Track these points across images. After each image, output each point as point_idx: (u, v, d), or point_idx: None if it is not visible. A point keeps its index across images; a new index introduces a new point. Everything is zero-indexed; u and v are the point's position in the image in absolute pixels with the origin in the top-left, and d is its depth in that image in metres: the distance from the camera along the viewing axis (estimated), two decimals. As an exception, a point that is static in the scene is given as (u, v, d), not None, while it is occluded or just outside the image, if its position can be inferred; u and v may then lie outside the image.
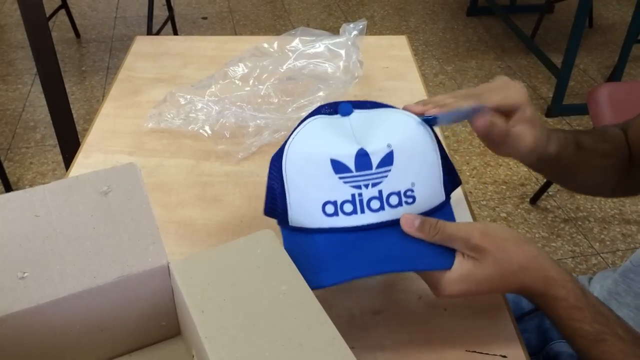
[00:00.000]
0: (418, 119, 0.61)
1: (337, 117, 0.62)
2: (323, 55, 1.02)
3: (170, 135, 0.94)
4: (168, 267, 0.56)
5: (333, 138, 0.60)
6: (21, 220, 0.54)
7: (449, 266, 0.56)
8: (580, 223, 1.98)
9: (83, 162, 0.89)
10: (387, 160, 0.58)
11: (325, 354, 0.47)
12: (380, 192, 0.58)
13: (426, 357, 0.62)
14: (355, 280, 0.57)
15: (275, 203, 0.63)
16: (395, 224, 0.59)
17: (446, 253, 0.57)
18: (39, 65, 1.56)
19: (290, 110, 0.95)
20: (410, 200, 0.59)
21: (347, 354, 0.46)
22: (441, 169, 0.62)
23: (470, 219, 0.80)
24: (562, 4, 3.24)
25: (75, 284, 0.53)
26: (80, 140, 1.06)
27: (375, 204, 0.58)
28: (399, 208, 0.59)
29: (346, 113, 0.61)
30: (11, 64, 2.81)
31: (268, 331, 0.48)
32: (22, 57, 2.85)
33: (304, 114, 0.93)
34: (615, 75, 2.47)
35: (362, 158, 0.58)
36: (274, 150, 0.90)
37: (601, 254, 1.86)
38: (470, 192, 2.10)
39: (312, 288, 0.52)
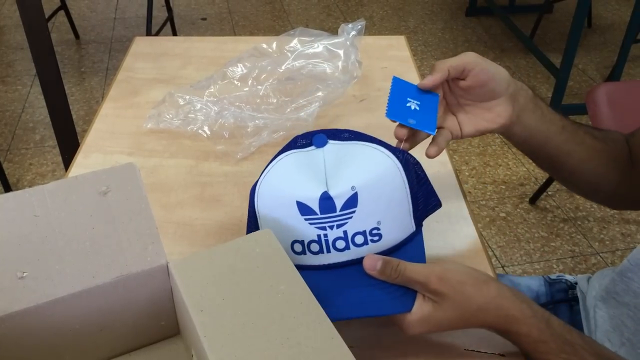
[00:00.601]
0: (389, 154, 0.63)
1: (311, 150, 0.63)
2: (322, 56, 1.02)
3: (169, 135, 0.94)
4: (167, 266, 0.56)
5: (302, 178, 0.61)
6: (20, 220, 0.54)
7: (408, 309, 0.58)
8: (579, 223, 1.98)
9: (82, 163, 0.89)
10: (351, 202, 0.60)
11: (323, 352, 0.47)
12: (345, 232, 0.60)
13: (425, 356, 0.62)
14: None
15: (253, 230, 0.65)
16: (360, 262, 0.60)
17: (407, 294, 0.58)
18: (38, 67, 1.57)
19: (289, 110, 0.95)
20: (376, 238, 0.60)
21: (346, 352, 0.47)
22: (410, 203, 0.63)
23: (469, 220, 0.80)
24: (561, 4, 3.25)
25: (74, 283, 0.53)
26: (79, 141, 1.07)
27: (340, 244, 0.60)
28: (364, 247, 0.60)
29: (320, 145, 0.63)
30: (10, 65, 2.81)
31: (267, 330, 0.48)
32: (22, 59, 2.85)
33: (303, 114, 0.94)
34: (614, 75, 2.47)
35: (326, 201, 0.59)
36: (272, 151, 0.91)
37: (600, 254, 1.87)
38: (470, 192, 2.10)
39: None
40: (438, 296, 0.57)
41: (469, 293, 0.57)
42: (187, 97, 0.96)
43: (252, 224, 0.65)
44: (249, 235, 0.57)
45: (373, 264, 0.59)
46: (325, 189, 0.59)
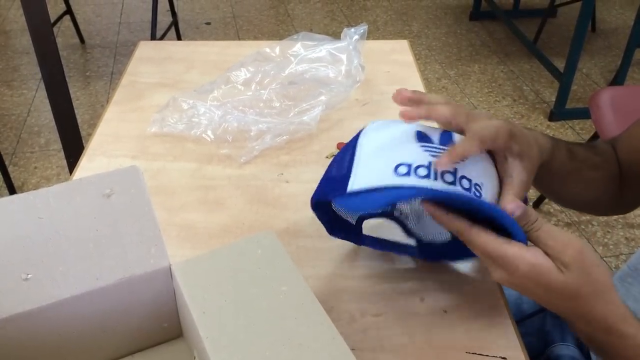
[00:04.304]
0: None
1: None
2: (325, 60, 1.03)
3: (173, 139, 0.95)
4: (170, 269, 0.56)
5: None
6: (25, 223, 0.55)
7: (524, 240, 0.54)
8: (583, 227, 1.98)
9: (87, 166, 0.90)
10: None
11: (325, 353, 0.47)
12: (455, 170, 0.57)
13: (426, 358, 0.62)
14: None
15: (333, 184, 0.63)
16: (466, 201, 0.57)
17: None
18: (43, 71, 1.58)
19: (292, 114, 0.95)
20: (478, 194, 0.58)
21: (347, 353, 0.47)
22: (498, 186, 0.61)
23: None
24: (565, 8, 3.25)
25: (78, 285, 0.53)
26: (84, 145, 1.08)
27: (449, 178, 0.57)
28: (469, 194, 0.57)
29: None
30: (16, 70, 2.83)
31: (268, 331, 0.49)
32: (27, 63, 2.87)
33: (306, 118, 0.94)
34: (617, 79, 2.47)
35: (446, 135, 0.60)
36: (275, 154, 0.92)
37: (604, 258, 1.86)
38: (473, 196, 2.10)
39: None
40: (565, 266, 0.53)
41: (596, 276, 0.53)
42: (191, 101, 0.96)
43: (340, 170, 0.62)
44: (250, 236, 0.58)
45: (514, 207, 0.55)
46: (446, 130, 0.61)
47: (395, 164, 0.58)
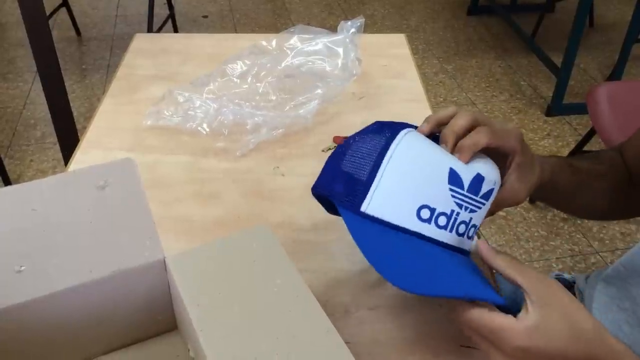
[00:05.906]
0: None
1: None
2: (321, 53, 1.02)
3: (168, 132, 0.94)
4: (164, 261, 0.56)
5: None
6: (18, 215, 0.54)
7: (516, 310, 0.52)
8: (579, 222, 1.98)
9: (81, 159, 0.89)
10: (488, 195, 0.58)
11: (319, 345, 0.47)
12: (470, 219, 0.57)
13: (420, 352, 0.62)
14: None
15: (337, 182, 0.58)
16: (465, 254, 0.58)
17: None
18: (38, 64, 1.57)
19: (288, 108, 0.95)
20: (473, 241, 0.59)
21: (341, 345, 0.47)
22: None
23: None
24: (563, 3, 3.24)
25: (71, 278, 0.53)
26: (80, 138, 1.07)
27: (462, 229, 0.57)
28: (471, 242, 0.59)
29: None
30: (12, 62, 2.82)
31: (263, 324, 0.49)
32: (23, 55, 2.85)
33: (302, 112, 0.94)
34: (615, 74, 2.47)
35: (476, 182, 0.57)
36: (271, 148, 0.92)
37: (600, 253, 1.87)
38: (470, 191, 2.10)
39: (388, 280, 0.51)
40: (546, 303, 0.52)
41: (580, 312, 0.53)
42: (187, 94, 0.96)
43: (357, 170, 0.57)
44: (245, 229, 0.58)
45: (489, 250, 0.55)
46: (480, 172, 0.57)
47: (420, 205, 0.55)
